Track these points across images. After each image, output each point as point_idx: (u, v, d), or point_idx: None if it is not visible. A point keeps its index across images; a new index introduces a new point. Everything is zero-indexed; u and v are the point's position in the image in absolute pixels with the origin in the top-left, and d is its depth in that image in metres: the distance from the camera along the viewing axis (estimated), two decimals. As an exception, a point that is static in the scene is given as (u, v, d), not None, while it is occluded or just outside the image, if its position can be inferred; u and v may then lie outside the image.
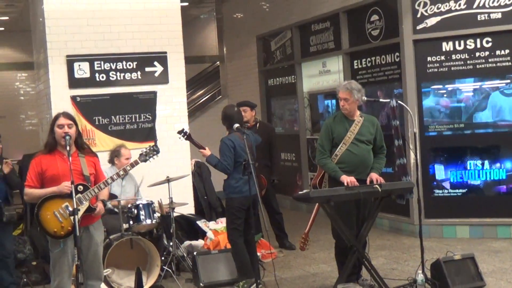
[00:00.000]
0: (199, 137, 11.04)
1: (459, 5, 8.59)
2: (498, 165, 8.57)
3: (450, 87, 8.75)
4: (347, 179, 6.25)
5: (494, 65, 8.50)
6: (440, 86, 8.81)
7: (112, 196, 7.05)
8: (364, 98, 6.54)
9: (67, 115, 5.50)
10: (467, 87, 8.68)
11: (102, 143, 8.32)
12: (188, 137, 6.83)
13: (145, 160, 5.79)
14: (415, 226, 8.81)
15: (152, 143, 6.75)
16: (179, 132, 6.84)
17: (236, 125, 6.36)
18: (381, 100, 6.85)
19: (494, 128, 8.58)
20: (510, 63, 8.44)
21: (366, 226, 6.29)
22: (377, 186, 6.11)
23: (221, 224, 8.25)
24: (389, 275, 6.99)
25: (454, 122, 8.73)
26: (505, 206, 8.56)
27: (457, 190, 8.77)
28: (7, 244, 7.07)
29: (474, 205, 8.71)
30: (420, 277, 6.22)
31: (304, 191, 6.28)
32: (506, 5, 8.38)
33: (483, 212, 8.66)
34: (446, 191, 8.82)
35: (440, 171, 8.83)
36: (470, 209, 8.72)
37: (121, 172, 5.73)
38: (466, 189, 8.73)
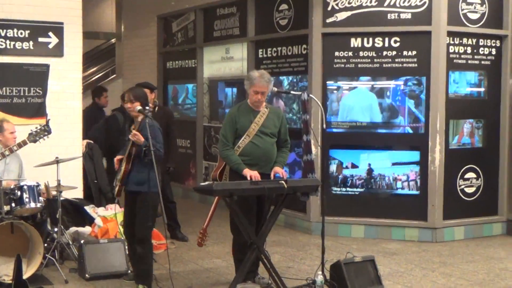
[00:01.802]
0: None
1: (370, 1, 8.47)
2: (395, 166, 8.53)
3: (355, 84, 8.64)
4: (250, 173, 5.98)
5: (400, 65, 8.45)
6: (346, 82, 8.67)
7: (-7, 176, 6.44)
8: (275, 89, 6.29)
9: None
10: (372, 86, 8.58)
11: (-15, 116, 7.62)
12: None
13: (35, 141, 5.30)
14: (310, 223, 8.68)
15: (42, 121, 6.23)
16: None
17: (139, 107, 5.88)
18: (292, 92, 6.60)
19: (395, 128, 8.54)
20: (416, 65, 8.41)
21: (268, 223, 6.03)
22: (283, 182, 5.85)
23: (110, 210, 7.76)
24: (285, 273, 6.75)
25: (357, 120, 8.62)
26: (399, 207, 8.55)
27: (354, 189, 8.69)
28: None
29: (369, 205, 8.65)
30: (319, 278, 6.02)
31: (207, 183, 5.93)
32: (416, 6, 8.33)
33: (378, 212, 8.62)
34: (343, 189, 8.71)
35: (338, 169, 8.71)
36: (365, 209, 8.66)
37: (7, 153, 5.19)
38: (363, 189, 8.65)
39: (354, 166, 8.67)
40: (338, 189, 8.71)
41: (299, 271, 6.98)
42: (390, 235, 8.51)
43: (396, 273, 6.96)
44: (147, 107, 5.97)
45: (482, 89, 8.78)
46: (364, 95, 8.60)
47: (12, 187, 6.52)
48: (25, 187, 6.52)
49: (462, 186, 8.65)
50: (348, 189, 8.70)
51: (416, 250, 7.96)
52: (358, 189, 8.67)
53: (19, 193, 6.47)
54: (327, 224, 8.43)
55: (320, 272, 6.09)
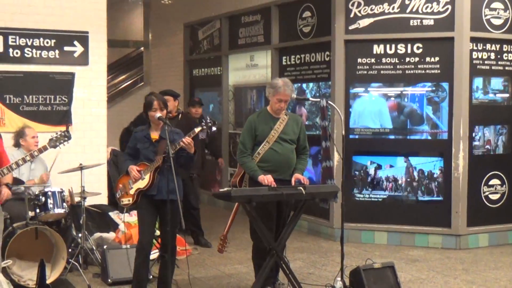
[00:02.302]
0: (118, 123, 10.63)
1: (393, 8, 8.47)
2: (419, 172, 8.51)
3: (378, 90, 8.63)
4: (265, 178, 6.00)
5: (423, 71, 8.43)
6: (369, 89, 8.67)
7: (18, 181, 6.57)
8: (293, 96, 6.31)
9: None
10: (395, 92, 8.57)
11: (12, 124, 7.76)
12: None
13: (55, 146, 5.39)
14: (334, 230, 8.68)
15: (64, 128, 6.34)
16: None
17: (159, 114, 5.93)
18: (311, 99, 6.63)
19: (418, 134, 8.52)
20: (439, 71, 8.38)
21: (287, 229, 6.05)
22: (301, 188, 5.88)
23: (134, 216, 7.85)
24: (306, 279, 6.79)
25: (380, 126, 8.61)
26: (423, 214, 8.51)
27: (377, 195, 8.67)
28: None
29: (393, 211, 8.63)
30: (338, 284, 6.04)
31: (226, 189, 5.98)
32: (439, 12, 8.31)
33: (402, 219, 8.58)
34: (366, 195, 8.71)
35: (361, 175, 8.71)
36: (389, 215, 8.63)
37: (28, 158, 5.30)
38: (386, 195, 8.63)
39: (377, 172, 8.66)
40: (361, 195, 8.71)
41: (319, 277, 7.00)
42: (413, 242, 8.48)
43: (417, 280, 6.93)
44: (157, 114, 5.92)
45: (506, 95, 8.71)
46: (387, 101, 8.60)
47: (36, 193, 6.65)
48: (49, 193, 6.64)
49: (487, 193, 8.59)
50: (371, 195, 8.69)
51: (439, 257, 7.92)
52: (382, 196, 8.65)
53: (43, 199, 6.60)
54: (350, 230, 8.53)
55: (339, 278, 6.11)
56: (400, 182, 8.57)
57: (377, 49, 8.59)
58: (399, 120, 8.54)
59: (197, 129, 5.99)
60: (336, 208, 8.39)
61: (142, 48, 16.45)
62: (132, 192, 5.97)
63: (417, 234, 8.49)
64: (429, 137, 8.48)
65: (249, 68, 10.90)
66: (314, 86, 9.21)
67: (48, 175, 7.14)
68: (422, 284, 6.79)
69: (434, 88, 8.42)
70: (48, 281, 6.17)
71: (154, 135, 6.02)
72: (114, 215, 7.98)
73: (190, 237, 8.45)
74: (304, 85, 9.35)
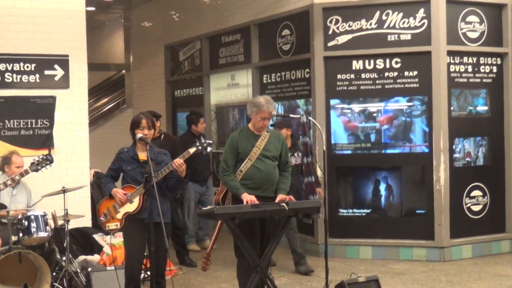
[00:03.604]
0: (102, 145, 10.66)
1: (370, 24, 8.57)
2: (401, 186, 8.57)
3: (358, 106, 8.71)
4: (246, 197, 6.01)
5: (402, 86, 8.53)
6: (349, 105, 8.75)
7: (1, 206, 6.55)
8: (273, 112, 6.35)
9: None
10: (375, 107, 8.66)
11: (-6, 149, 7.78)
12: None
13: (37, 170, 5.38)
14: (318, 246, 8.70)
15: (46, 151, 6.34)
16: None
17: (139, 135, 5.89)
18: (291, 115, 6.69)
19: (400, 148, 8.59)
20: (417, 85, 8.48)
21: (271, 246, 6.07)
22: (284, 204, 5.90)
23: (119, 238, 7.84)
24: (292, 296, 6.81)
25: (361, 141, 8.69)
26: (407, 227, 8.56)
27: (361, 210, 8.72)
28: None
29: (377, 225, 8.68)
30: (323, 299, 6.06)
31: (208, 207, 5.99)
32: (415, 27, 8.43)
33: (386, 233, 8.63)
34: (350, 210, 8.75)
35: (345, 190, 8.76)
36: (373, 230, 8.68)
37: (9, 182, 5.29)
38: (370, 210, 8.68)
39: (360, 187, 8.72)
40: (345, 210, 8.75)
41: (305, 293, 7.02)
42: (398, 256, 8.51)
43: (402, 292, 6.98)
44: (139, 135, 5.82)
45: (485, 107, 8.82)
46: (367, 116, 8.68)
47: (19, 217, 6.63)
48: (32, 217, 6.60)
49: (469, 204, 8.66)
50: (355, 210, 8.73)
51: (424, 269, 7.96)
52: (365, 210, 8.70)
53: (26, 223, 6.56)
54: (335, 246, 8.56)
55: (325, 293, 6.13)
56: (382, 196, 8.62)
57: (356, 64, 8.68)
58: (380, 135, 8.62)
59: (191, 150, 5.85)
60: (321, 224, 8.42)
61: (123, 71, 16.47)
62: (119, 216, 5.79)
63: (401, 247, 8.53)
64: (410, 151, 8.56)
65: (231, 88, 10.96)
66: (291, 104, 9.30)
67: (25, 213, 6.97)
68: (407, 296, 6.83)
69: (413, 102, 8.51)
70: (33, 305, 6.15)
71: (142, 156, 5.85)
72: (98, 237, 7.95)
73: (176, 257, 8.44)
74: (286, 104, 9.43)
